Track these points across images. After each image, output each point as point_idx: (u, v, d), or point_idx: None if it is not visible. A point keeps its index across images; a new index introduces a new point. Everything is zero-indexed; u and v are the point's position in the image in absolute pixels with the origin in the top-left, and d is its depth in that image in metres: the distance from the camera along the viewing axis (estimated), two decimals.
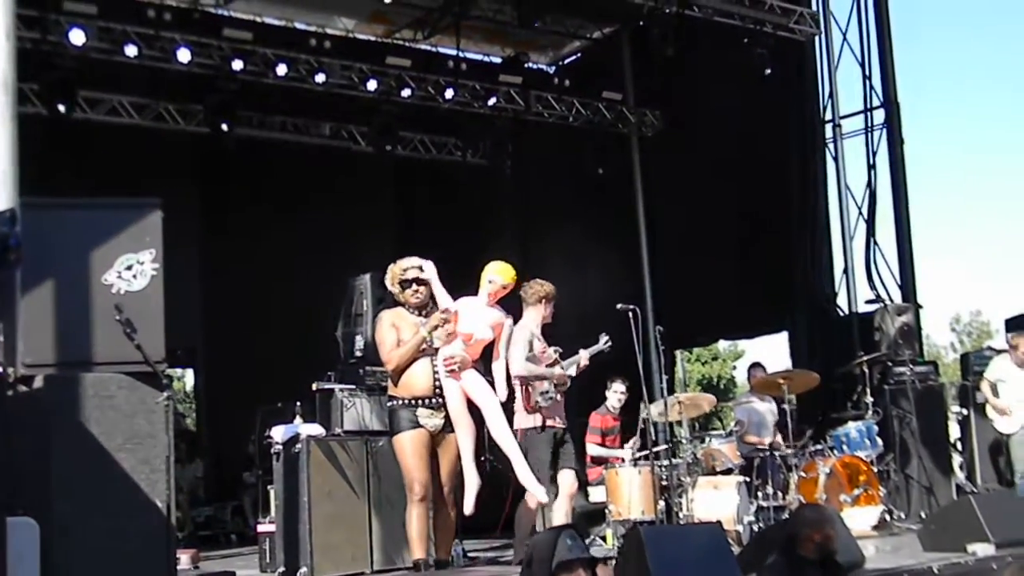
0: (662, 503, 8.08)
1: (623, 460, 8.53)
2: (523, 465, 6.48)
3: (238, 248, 12.85)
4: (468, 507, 6.41)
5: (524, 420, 6.99)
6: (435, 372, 6.46)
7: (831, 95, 12.84)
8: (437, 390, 6.44)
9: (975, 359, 11.09)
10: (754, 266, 13.10)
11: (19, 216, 4.82)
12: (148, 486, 5.16)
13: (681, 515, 8.05)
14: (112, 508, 5.07)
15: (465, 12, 12.44)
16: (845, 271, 12.46)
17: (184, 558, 8.09)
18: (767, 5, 12.19)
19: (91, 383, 5.13)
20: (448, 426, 6.44)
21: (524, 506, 6.97)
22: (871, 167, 12.64)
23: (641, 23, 12.66)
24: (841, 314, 12.46)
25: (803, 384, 9.39)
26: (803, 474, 8.78)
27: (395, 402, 6.52)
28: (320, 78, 11.64)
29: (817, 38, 12.87)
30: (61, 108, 10.36)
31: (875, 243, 12.47)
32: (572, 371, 7.43)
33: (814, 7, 12.93)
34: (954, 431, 11.07)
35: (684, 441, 8.88)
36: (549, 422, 6.99)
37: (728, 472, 8.67)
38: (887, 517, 8.91)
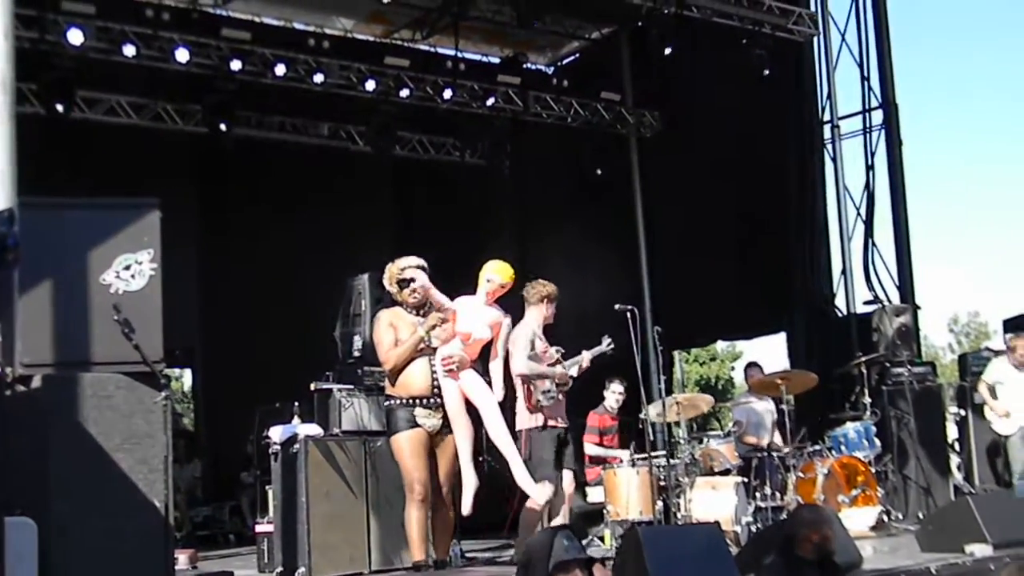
0: (660, 503, 8.09)
1: (621, 460, 8.54)
2: (520, 466, 6.49)
3: (236, 248, 12.84)
4: (466, 508, 6.42)
5: (526, 420, 6.99)
6: (433, 372, 6.46)
7: (829, 96, 12.85)
8: (435, 390, 6.44)
9: (973, 360, 11.10)
10: (752, 267, 13.11)
11: (17, 216, 4.83)
12: (146, 486, 5.17)
13: (679, 515, 8.06)
14: (110, 508, 5.07)
15: (464, 12, 12.44)
16: (843, 272, 12.47)
17: (182, 558, 8.11)
18: (765, 6, 12.20)
19: (89, 383, 5.14)
20: (446, 426, 6.44)
21: (528, 506, 6.96)
22: (869, 168, 12.65)
23: (640, 24, 12.68)
24: (839, 315, 12.46)
25: (801, 385, 9.40)
26: (801, 475, 8.78)
27: (392, 401, 6.52)
28: (318, 78, 11.63)
29: (815, 39, 12.87)
30: (59, 108, 10.35)
31: (873, 244, 12.49)
32: (574, 371, 7.44)
33: (812, 8, 12.94)
34: (952, 432, 11.07)
35: (682, 441, 8.90)
36: (551, 422, 7.00)
37: (726, 472, 8.68)
38: (885, 518, 8.92)
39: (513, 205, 14.68)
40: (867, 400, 9.95)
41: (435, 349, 6.48)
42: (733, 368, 37.63)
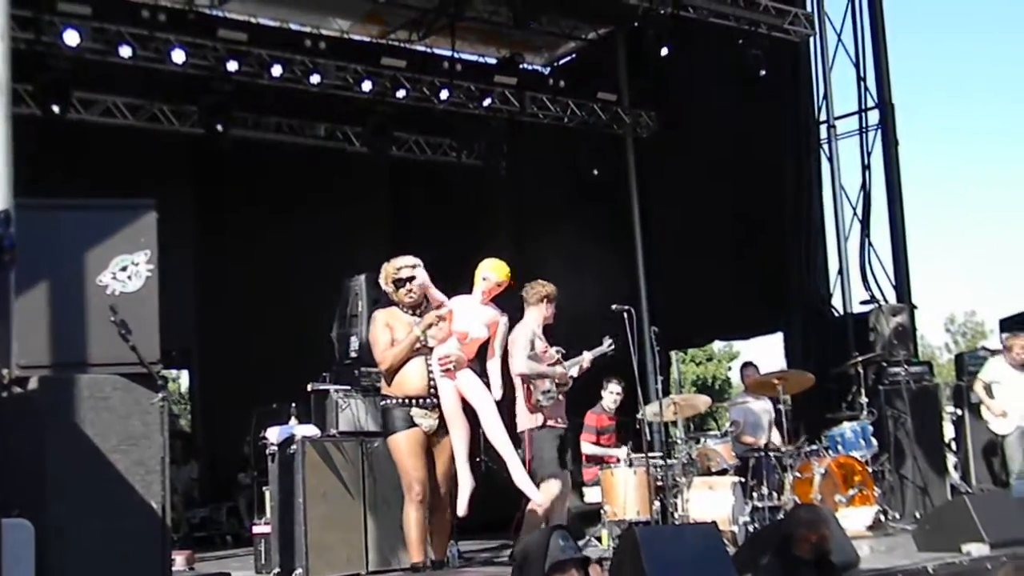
0: (657, 503, 8.09)
1: (618, 460, 8.55)
2: (519, 467, 6.48)
3: (233, 249, 12.83)
4: (461, 508, 6.42)
5: (527, 420, 7.00)
6: (430, 371, 6.45)
7: (826, 96, 12.86)
8: (432, 390, 6.43)
9: (970, 359, 11.12)
10: (749, 267, 13.12)
11: (13, 217, 4.82)
12: (143, 487, 5.16)
13: (676, 515, 8.07)
14: (107, 509, 5.07)
15: (460, 13, 12.44)
16: (840, 272, 12.48)
17: (179, 559, 8.10)
18: (761, 6, 12.20)
19: (86, 384, 5.14)
20: (443, 427, 6.43)
21: (530, 508, 6.96)
22: (866, 168, 12.66)
23: (636, 24, 12.69)
24: (836, 315, 12.47)
25: (798, 384, 9.40)
26: (798, 474, 8.78)
27: (389, 401, 6.50)
28: (315, 79, 11.62)
29: (812, 39, 12.89)
30: (55, 109, 10.33)
31: (870, 244, 12.49)
32: (574, 372, 7.46)
33: (808, 8, 12.96)
34: (949, 431, 11.08)
35: (679, 441, 8.90)
36: (550, 421, 7.00)
37: (723, 472, 8.68)
38: (882, 517, 8.92)
39: (510, 205, 14.68)
40: (864, 400, 9.95)
41: (431, 349, 6.47)
42: (730, 368, 37.67)
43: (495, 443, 6.48)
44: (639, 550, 5.58)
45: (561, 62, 14.99)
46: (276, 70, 11.36)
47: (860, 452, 9.22)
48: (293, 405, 7.94)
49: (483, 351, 6.67)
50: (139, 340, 5.18)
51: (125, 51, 10.50)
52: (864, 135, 12.70)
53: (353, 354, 8.05)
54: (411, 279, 6.53)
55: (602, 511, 8.39)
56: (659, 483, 8.27)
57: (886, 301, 11.94)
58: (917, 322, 12.24)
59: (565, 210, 14.19)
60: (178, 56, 10.70)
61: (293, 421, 7.78)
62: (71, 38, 10.03)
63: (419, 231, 13.25)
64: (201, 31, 11.06)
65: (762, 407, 9.89)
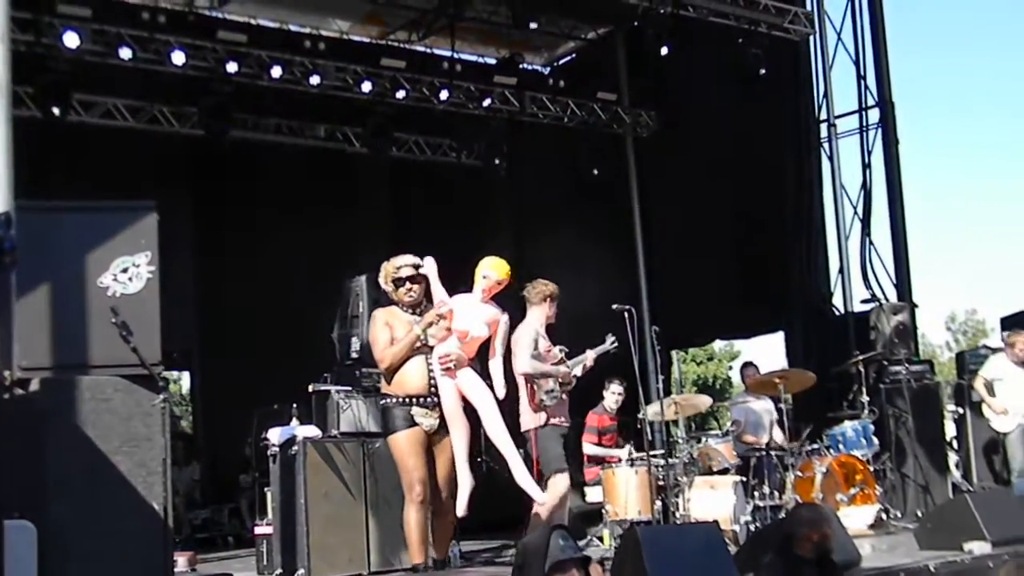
0: (659, 503, 8.09)
1: (620, 460, 8.55)
2: (520, 467, 6.47)
3: (234, 250, 12.82)
4: (461, 508, 6.38)
5: (531, 419, 7.00)
6: (430, 370, 6.43)
7: (826, 95, 12.86)
8: (432, 389, 6.40)
9: (971, 358, 11.12)
10: (750, 266, 13.12)
11: (14, 219, 4.83)
12: (144, 489, 5.16)
13: (678, 515, 8.06)
14: (109, 511, 5.07)
15: (460, 13, 12.45)
16: (841, 270, 12.48)
17: (181, 560, 8.10)
18: (761, 5, 12.20)
19: (87, 386, 5.14)
20: (444, 426, 6.40)
21: (535, 509, 6.95)
22: (866, 166, 12.66)
23: (635, 24, 12.69)
24: (837, 313, 12.47)
25: (799, 383, 9.41)
26: (799, 473, 8.78)
27: (389, 400, 6.48)
28: (315, 80, 11.62)
29: (812, 38, 12.89)
30: (55, 111, 10.33)
31: (870, 242, 12.50)
32: (577, 371, 7.45)
33: (808, 7, 12.95)
34: (950, 430, 11.08)
35: (680, 441, 8.90)
36: (553, 420, 7.01)
37: (724, 472, 8.68)
38: (883, 516, 8.92)
39: (510, 206, 14.68)
40: (865, 399, 9.94)
41: (432, 347, 6.46)
42: (731, 367, 37.66)
43: (497, 442, 6.46)
44: (640, 550, 5.58)
45: (561, 62, 14.99)
46: (276, 71, 11.37)
47: (861, 451, 9.22)
48: (294, 406, 7.93)
49: (483, 350, 6.65)
50: (140, 341, 5.18)
51: (125, 53, 10.50)
52: (864, 134, 12.71)
53: (354, 355, 8.05)
54: (411, 278, 6.52)
55: (603, 511, 8.38)
56: (660, 483, 8.26)
57: (887, 299, 11.94)
58: (918, 320, 12.26)
59: (565, 210, 14.18)
60: (178, 58, 10.70)
61: (294, 422, 7.78)
62: (71, 40, 10.03)
63: (419, 231, 13.24)
64: (201, 33, 11.06)
65: (763, 406, 9.89)
